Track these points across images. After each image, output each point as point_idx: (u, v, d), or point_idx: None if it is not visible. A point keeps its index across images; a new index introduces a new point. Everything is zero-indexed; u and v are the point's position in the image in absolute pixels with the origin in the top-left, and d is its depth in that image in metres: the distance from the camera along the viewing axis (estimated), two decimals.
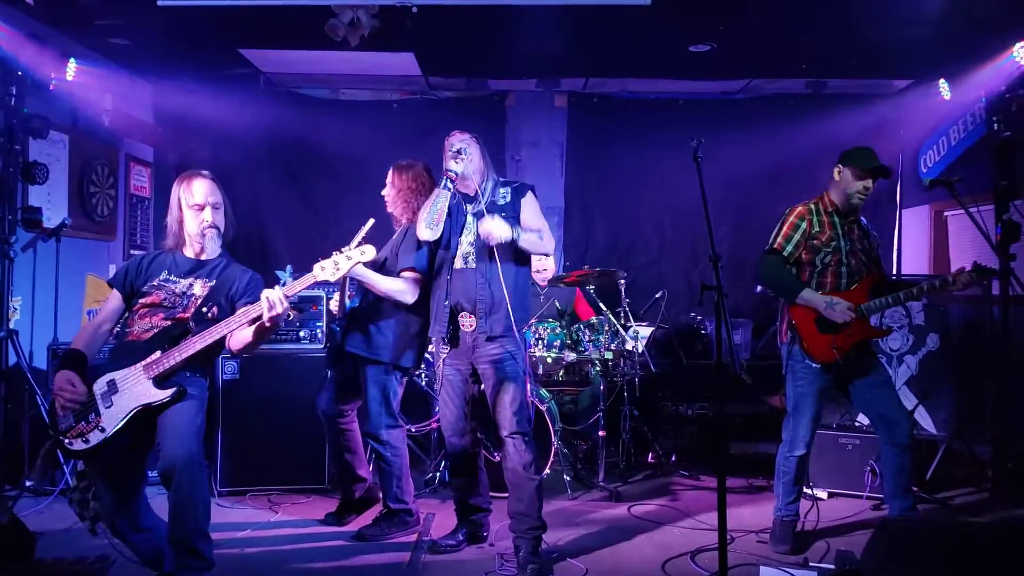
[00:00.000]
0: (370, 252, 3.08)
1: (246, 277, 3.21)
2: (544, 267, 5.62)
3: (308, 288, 5.01)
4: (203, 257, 3.20)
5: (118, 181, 6.01)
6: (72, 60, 5.05)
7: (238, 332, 3.01)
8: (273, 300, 2.90)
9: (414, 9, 4.25)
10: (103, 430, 2.82)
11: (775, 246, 3.65)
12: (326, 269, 3.05)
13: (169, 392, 2.85)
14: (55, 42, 5.06)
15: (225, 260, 3.24)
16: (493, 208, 3.52)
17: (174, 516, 2.81)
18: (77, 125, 5.54)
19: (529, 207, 3.57)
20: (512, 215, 3.50)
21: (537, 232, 3.50)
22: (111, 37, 5.32)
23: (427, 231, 3.47)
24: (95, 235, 5.76)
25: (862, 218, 3.79)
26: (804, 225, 3.63)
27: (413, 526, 3.96)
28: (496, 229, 3.33)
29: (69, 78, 5.07)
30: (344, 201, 6.35)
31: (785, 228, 3.65)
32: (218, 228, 3.19)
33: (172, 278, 3.11)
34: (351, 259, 3.06)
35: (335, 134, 6.42)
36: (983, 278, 3.62)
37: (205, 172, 3.23)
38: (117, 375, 2.89)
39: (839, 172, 3.67)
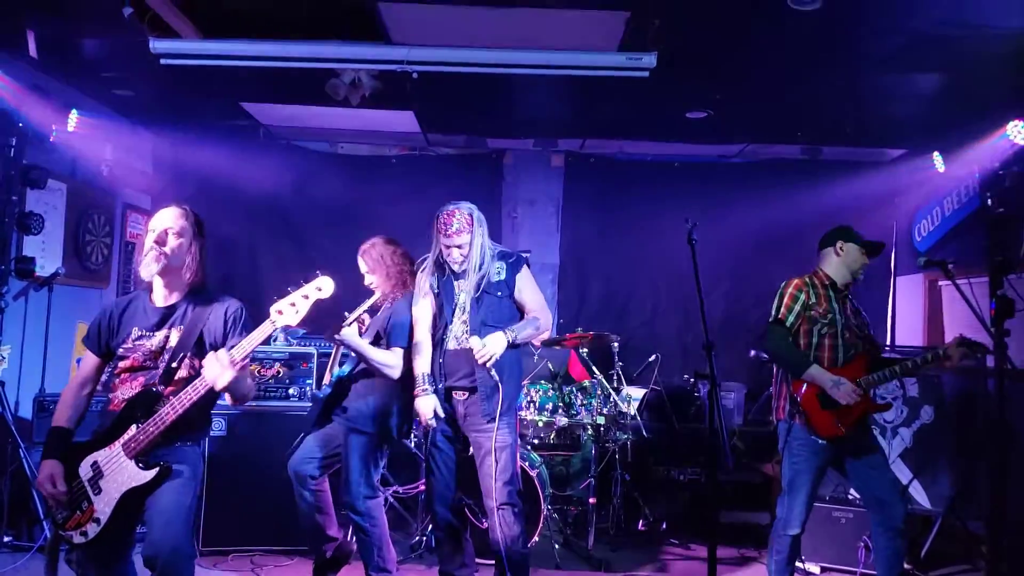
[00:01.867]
0: (327, 287, 2.85)
1: (220, 316, 2.92)
2: None
3: (301, 344, 4.99)
4: (169, 303, 2.94)
5: (114, 229, 6.02)
6: (74, 111, 5.10)
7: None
8: (216, 374, 2.67)
9: (415, 75, 4.30)
10: (98, 521, 2.72)
11: (779, 317, 3.66)
12: (284, 313, 2.77)
13: (152, 473, 2.73)
14: (57, 93, 5.11)
15: (191, 302, 2.94)
16: (488, 287, 3.50)
17: None
18: (76, 174, 5.57)
19: (526, 285, 3.57)
20: (506, 293, 3.50)
21: (533, 322, 3.50)
22: (114, 89, 5.38)
23: None
24: (88, 283, 5.75)
25: (850, 297, 3.82)
26: (803, 296, 3.65)
27: None
28: (492, 349, 3.34)
29: (70, 129, 5.10)
30: (342, 255, 6.24)
31: (786, 300, 3.66)
32: (164, 254, 2.85)
33: (144, 334, 2.90)
34: (308, 297, 2.81)
35: (333, 188, 6.45)
36: (975, 352, 3.60)
37: (179, 203, 2.98)
38: (100, 456, 2.77)
39: (841, 247, 3.71)
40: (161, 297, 2.95)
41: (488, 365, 3.35)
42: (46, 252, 5.21)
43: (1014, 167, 4.94)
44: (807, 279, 3.72)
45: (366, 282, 3.95)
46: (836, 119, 5.64)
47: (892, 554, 3.55)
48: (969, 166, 5.41)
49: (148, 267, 2.85)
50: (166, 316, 2.92)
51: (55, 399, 4.66)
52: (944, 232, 5.92)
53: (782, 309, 3.65)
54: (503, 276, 3.53)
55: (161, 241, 2.86)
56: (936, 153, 5.69)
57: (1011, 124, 4.88)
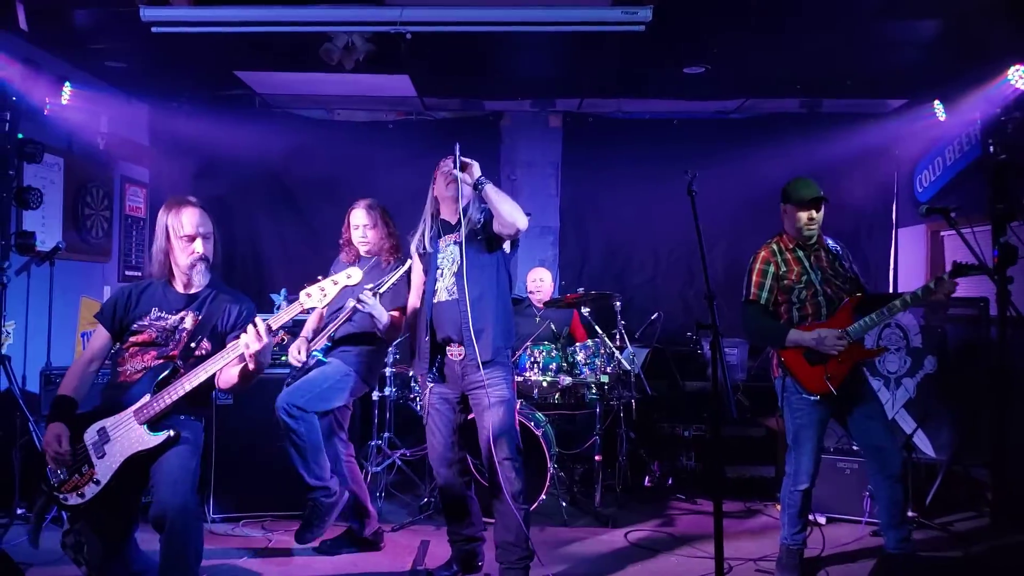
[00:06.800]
0: (356, 275, 3.03)
1: (235, 309, 3.12)
2: (538, 288, 5.62)
3: (302, 314, 5.01)
4: (192, 291, 3.12)
5: (113, 203, 6.00)
6: (67, 84, 5.05)
7: (226, 370, 2.93)
8: (253, 335, 2.80)
9: (408, 36, 4.25)
10: (98, 482, 2.78)
11: (751, 297, 3.66)
12: (312, 296, 2.97)
13: (161, 437, 2.80)
14: (50, 66, 5.07)
15: (214, 291, 3.14)
16: (472, 228, 3.55)
17: (164, 566, 2.73)
18: (72, 148, 5.54)
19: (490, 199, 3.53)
20: (483, 235, 3.52)
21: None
22: (106, 60, 5.34)
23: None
24: (90, 257, 5.75)
25: (828, 240, 3.79)
26: (772, 269, 3.64)
27: (338, 501, 3.85)
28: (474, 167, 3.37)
29: (64, 102, 5.06)
30: (340, 222, 6.31)
31: (755, 277, 3.66)
32: (208, 259, 3.09)
33: (163, 315, 3.04)
34: (337, 283, 2.98)
35: (331, 155, 6.42)
36: (963, 275, 3.51)
37: (194, 199, 3.12)
38: (108, 422, 2.84)
39: (784, 210, 3.70)
40: (182, 285, 3.13)
41: (474, 172, 3.37)
42: (46, 227, 5.20)
43: (1016, 112, 4.88)
44: (773, 246, 3.70)
45: (357, 237, 4.00)
46: (835, 70, 5.56)
47: (893, 502, 3.59)
48: (970, 113, 5.35)
49: (200, 276, 3.09)
50: (189, 301, 3.10)
51: (61, 372, 4.68)
52: (946, 182, 5.87)
53: (753, 288, 3.66)
54: (483, 219, 3.55)
55: (202, 253, 3.06)
56: (937, 101, 5.62)
57: (1012, 69, 4.81)
